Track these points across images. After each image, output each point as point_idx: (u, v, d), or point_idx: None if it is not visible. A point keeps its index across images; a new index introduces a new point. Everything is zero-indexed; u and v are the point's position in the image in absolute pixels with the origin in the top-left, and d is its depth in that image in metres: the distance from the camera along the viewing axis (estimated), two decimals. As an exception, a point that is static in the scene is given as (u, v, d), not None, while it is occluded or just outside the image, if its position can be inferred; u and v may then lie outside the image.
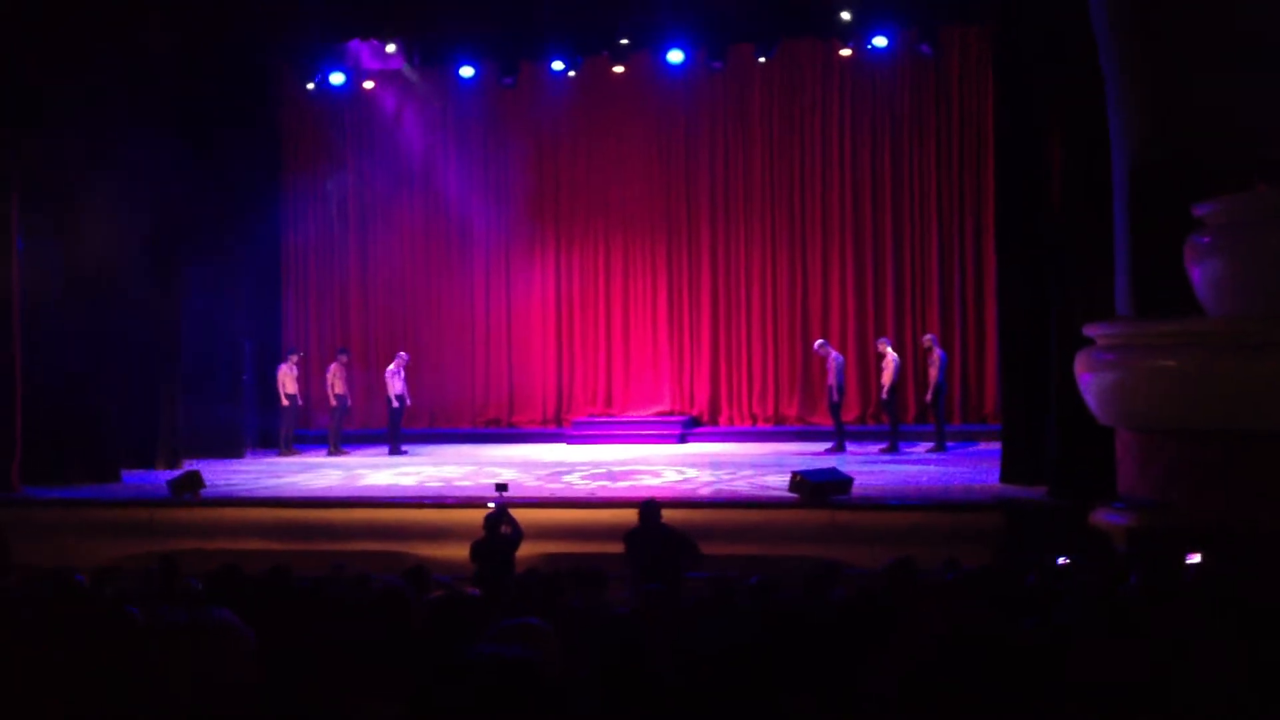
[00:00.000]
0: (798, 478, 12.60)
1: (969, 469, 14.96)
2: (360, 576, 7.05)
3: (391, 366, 18.44)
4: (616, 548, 10.72)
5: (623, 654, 2.83)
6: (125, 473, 15.88)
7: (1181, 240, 10.92)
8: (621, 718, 2.54)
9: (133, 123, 15.81)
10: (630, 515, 11.94)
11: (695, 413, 19.95)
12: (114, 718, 2.58)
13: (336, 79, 18.96)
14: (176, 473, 14.84)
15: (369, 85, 19.64)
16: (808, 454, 16.74)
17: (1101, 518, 10.94)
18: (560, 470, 15.77)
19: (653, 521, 9.61)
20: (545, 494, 13.50)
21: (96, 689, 2.70)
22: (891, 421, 17.27)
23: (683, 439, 18.98)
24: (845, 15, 16.88)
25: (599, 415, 20.02)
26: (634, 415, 19.92)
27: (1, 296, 14.77)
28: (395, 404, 18.26)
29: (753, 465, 15.95)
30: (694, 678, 2.92)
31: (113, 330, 16.14)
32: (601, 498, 13.33)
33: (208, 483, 14.04)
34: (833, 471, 13.03)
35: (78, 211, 15.71)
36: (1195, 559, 5.63)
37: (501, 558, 9.95)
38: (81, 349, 15.67)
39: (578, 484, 14.59)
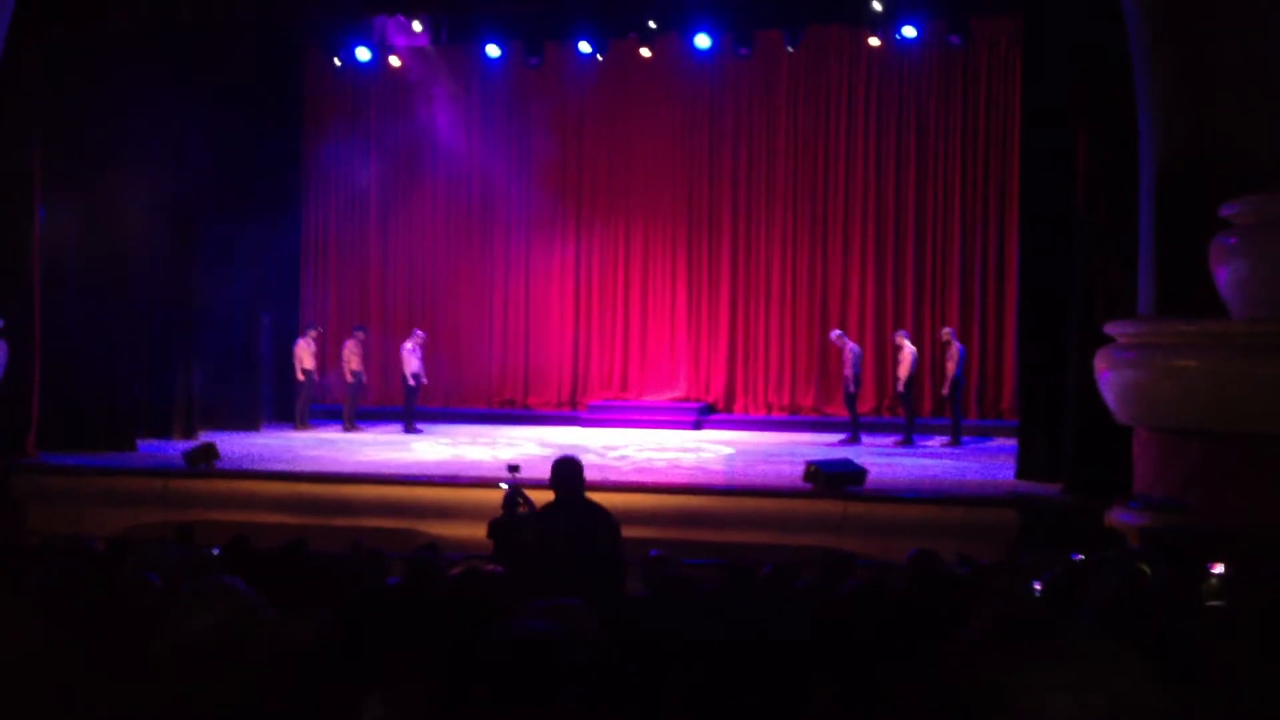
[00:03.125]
0: (812, 468, 12.59)
1: (984, 464, 14.92)
2: (375, 552, 7.06)
3: (408, 344, 18.45)
4: (629, 531, 10.69)
5: (641, 638, 2.82)
6: (141, 442, 15.95)
7: (1207, 240, 10.83)
8: (638, 702, 2.53)
9: (156, 95, 15.84)
10: (644, 500, 11.95)
11: (711, 399, 19.93)
12: (128, 685, 2.58)
13: (363, 55, 18.93)
14: (192, 443, 14.89)
15: (395, 62, 19.61)
16: (822, 444, 16.72)
17: (1117, 516, 10.89)
18: (579, 452, 15.76)
19: (573, 486, 6.86)
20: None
21: (112, 656, 2.69)
22: (907, 414, 17.22)
23: (697, 425, 18.96)
24: (876, 4, 16.79)
25: (614, 399, 20.01)
26: (649, 400, 19.91)
27: (22, 264, 14.83)
28: (411, 382, 18.28)
29: (767, 454, 15.94)
30: (710, 664, 2.91)
31: (131, 300, 16.19)
32: (614, 481, 13.32)
33: (223, 454, 14.09)
34: (847, 462, 13.00)
35: (98, 182, 15.76)
36: (1219, 569, 5.59)
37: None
38: (100, 318, 15.74)
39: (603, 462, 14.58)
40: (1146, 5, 11.57)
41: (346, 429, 18.20)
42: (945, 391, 16.92)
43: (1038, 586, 5.22)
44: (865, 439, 17.04)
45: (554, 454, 15.84)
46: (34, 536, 10.26)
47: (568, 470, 6.93)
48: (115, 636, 2.55)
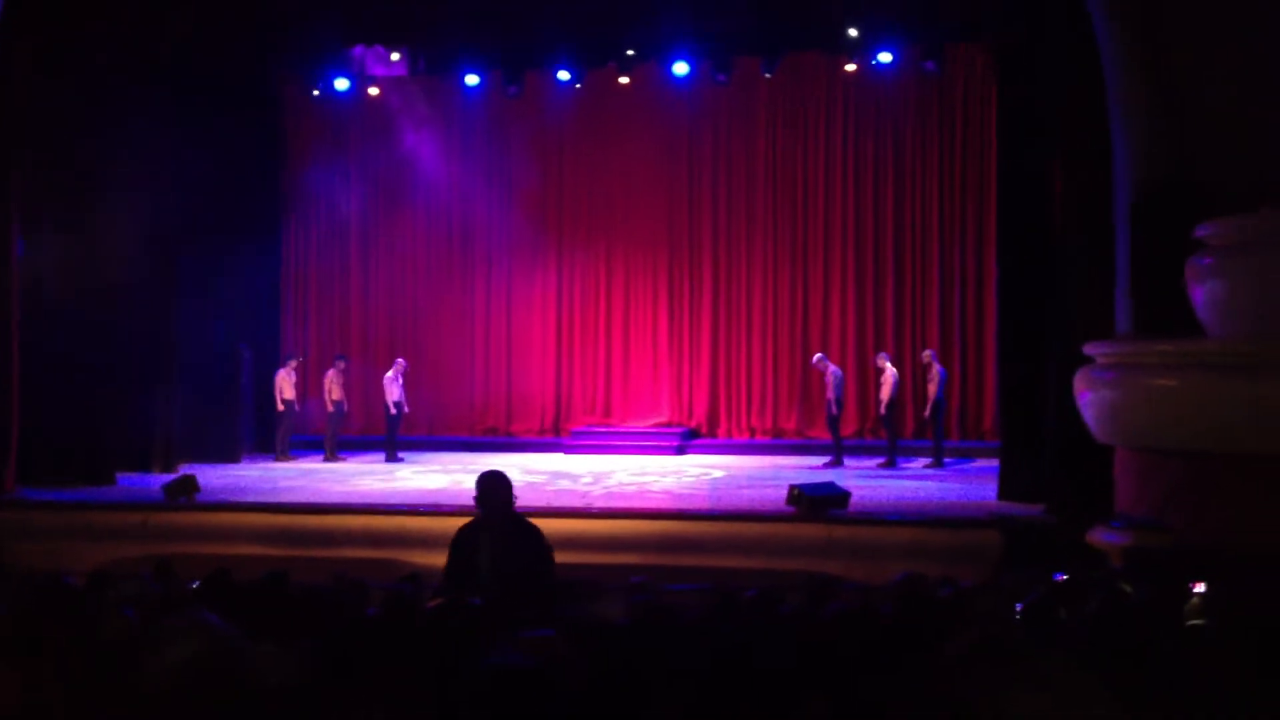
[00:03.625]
0: (795, 491, 12.58)
1: (966, 485, 14.95)
2: (357, 583, 7.02)
3: (390, 373, 18.41)
4: (612, 558, 10.69)
5: (622, 666, 2.81)
6: (121, 476, 15.84)
7: (1183, 261, 10.91)
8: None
9: (134, 126, 15.81)
10: (627, 526, 11.94)
11: (694, 424, 19.94)
12: (105, 711, 2.56)
13: (341, 85, 18.97)
14: (172, 476, 14.80)
15: (374, 92, 19.64)
16: (806, 468, 16.72)
17: (1099, 536, 10.91)
18: (562, 479, 15.76)
19: (500, 501, 6.47)
20: (540, 504, 13.45)
21: (88, 693, 2.67)
22: (890, 437, 17.25)
23: (681, 450, 18.96)
24: (852, 31, 16.91)
25: (597, 425, 20.00)
26: (632, 426, 19.90)
27: (0, 294, 14.74)
28: (393, 411, 18.23)
29: (750, 478, 15.94)
30: (694, 691, 2.90)
31: (111, 333, 16.09)
32: (598, 508, 13.30)
33: (203, 487, 14.01)
34: (830, 485, 13.01)
35: (77, 215, 15.69)
36: (1200, 588, 5.61)
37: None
38: (79, 350, 15.63)
39: (586, 488, 14.55)
40: (1119, 29, 11.69)
41: (328, 459, 18.12)
42: (927, 413, 16.96)
43: (1019, 608, 5.22)
44: (848, 462, 17.06)
45: (539, 480, 15.93)
46: (10, 572, 10.16)
47: (492, 484, 6.52)
48: (91, 673, 2.53)
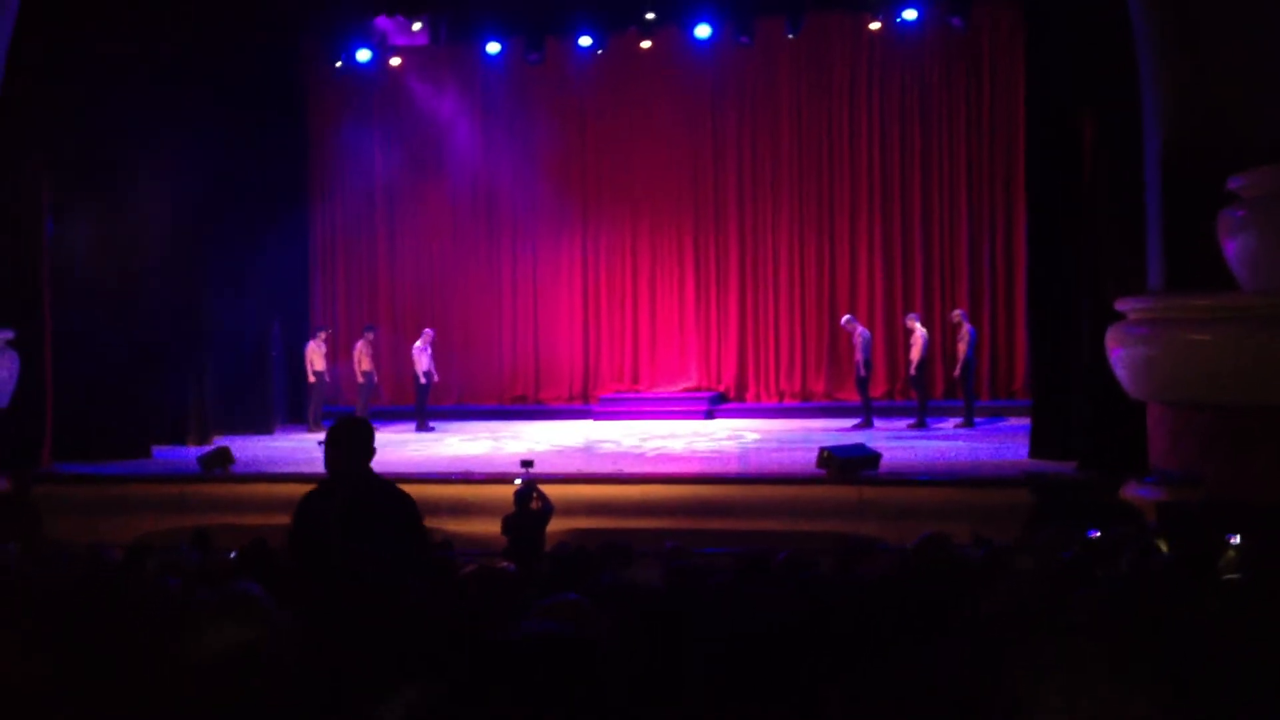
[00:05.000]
0: (825, 453, 12.58)
1: (997, 444, 14.90)
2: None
3: (418, 343, 18.47)
4: (644, 523, 10.74)
5: (660, 630, 2.82)
6: (156, 449, 16.00)
7: (1214, 214, 10.80)
8: (659, 696, 2.54)
9: (160, 101, 15.85)
10: (659, 491, 11.99)
11: (722, 389, 19.93)
12: (146, 695, 2.59)
13: (363, 56, 18.95)
14: (207, 448, 14.94)
15: (396, 62, 19.61)
16: (835, 430, 16.71)
17: (1132, 492, 10.88)
18: (592, 445, 15.84)
19: (352, 455, 5.36)
20: (571, 470, 13.51)
21: (130, 666, 2.70)
22: (920, 397, 17.19)
23: (709, 415, 18.96)
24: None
25: (625, 391, 20.03)
26: (661, 391, 19.91)
27: (31, 275, 14.87)
28: (422, 381, 18.31)
29: (780, 441, 15.94)
30: (729, 655, 2.91)
31: (142, 309, 16.22)
32: (629, 473, 13.34)
33: (237, 458, 14.14)
34: (860, 447, 12.99)
35: (107, 190, 15.79)
36: (1235, 539, 5.58)
37: (531, 533, 9.97)
38: (111, 326, 15.76)
39: (617, 454, 14.60)
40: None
41: (360, 429, 18.20)
42: (957, 373, 16.89)
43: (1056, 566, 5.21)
44: (878, 423, 17.02)
45: (567, 449, 15.99)
46: (50, 546, 10.30)
47: (345, 437, 5.26)
48: (134, 646, 2.56)
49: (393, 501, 5.19)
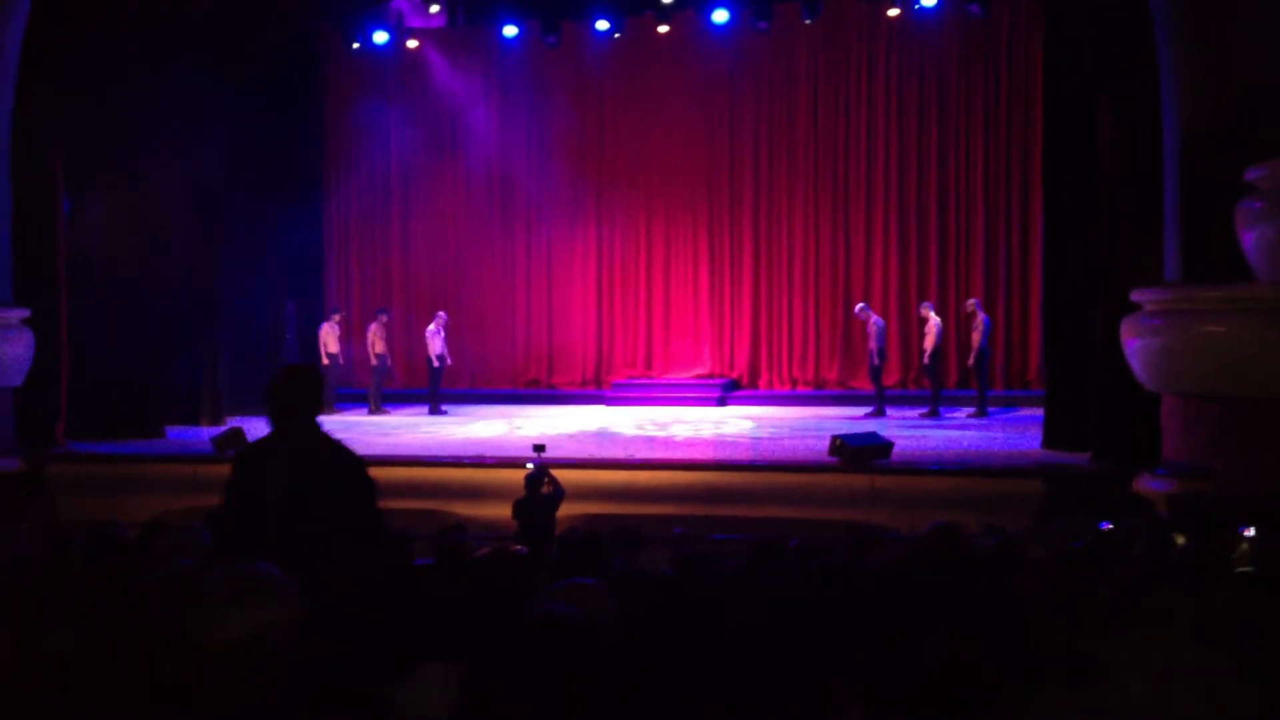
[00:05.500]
0: (838, 442, 12.56)
1: (1010, 434, 14.87)
2: (403, 534, 7.10)
3: (431, 326, 18.50)
4: (655, 509, 10.74)
5: (670, 616, 2.83)
6: (170, 429, 16.06)
7: (1232, 205, 10.74)
8: (668, 680, 2.54)
9: (176, 82, 15.87)
10: (670, 477, 12.00)
11: (735, 376, 19.92)
12: (161, 674, 2.60)
13: (380, 38, 18.94)
14: (220, 429, 14.98)
15: (413, 44, 19.60)
16: (848, 418, 16.69)
17: (1145, 484, 10.85)
18: (603, 431, 15.86)
19: (295, 409, 4.61)
20: (583, 455, 13.52)
21: (146, 644, 2.71)
22: (933, 386, 17.15)
23: (722, 402, 18.96)
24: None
25: (638, 377, 20.03)
26: (673, 377, 19.91)
27: (47, 254, 14.92)
28: (435, 364, 18.34)
29: (792, 429, 15.93)
30: (738, 642, 2.91)
31: (157, 289, 16.27)
32: (640, 459, 13.34)
33: (251, 439, 14.17)
34: (873, 436, 12.97)
35: (123, 171, 15.82)
36: (1250, 532, 5.56)
37: (543, 517, 10.00)
38: (126, 307, 15.82)
39: (628, 439, 14.62)
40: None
41: (372, 411, 18.28)
42: (971, 363, 16.85)
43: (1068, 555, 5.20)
44: (891, 412, 16.99)
45: (579, 433, 15.99)
46: (64, 524, 10.34)
47: (287, 387, 4.55)
48: (148, 626, 2.57)
49: (342, 467, 4.47)
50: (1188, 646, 1.88)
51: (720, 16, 18.17)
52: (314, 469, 4.40)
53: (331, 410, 18.31)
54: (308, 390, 4.50)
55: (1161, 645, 1.87)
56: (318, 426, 4.50)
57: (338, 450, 4.48)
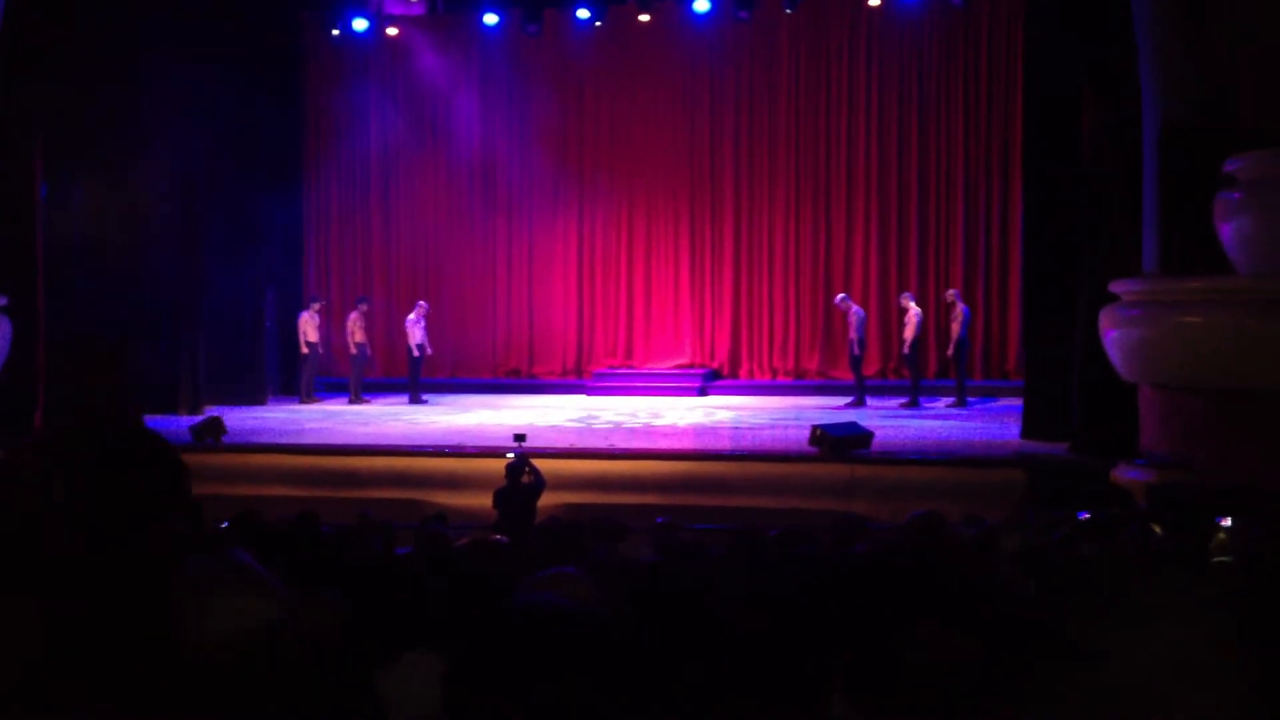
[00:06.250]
0: (818, 431, 12.58)
1: (990, 424, 14.93)
2: (384, 523, 7.08)
3: (412, 316, 18.45)
4: (636, 498, 10.73)
5: (652, 604, 2.83)
6: (147, 418, 15.93)
7: (1211, 197, 10.79)
8: (649, 671, 2.54)
9: (155, 70, 15.76)
10: (651, 467, 11.99)
11: (715, 365, 19.93)
12: (141, 665, 2.57)
13: (360, 25, 18.85)
14: (198, 418, 14.91)
15: (393, 32, 19.51)
16: (828, 408, 16.72)
17: (1123, 474, 10.90)
18: (584, 420, 15.84)
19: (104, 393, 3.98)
20: (564, 444, 13.52)
21: (124, 635, 2.68)
22: (913, 376, 17.21)
23: (702, 391, 18.97)
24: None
25: (619, 367, 20.03)
26: (654, 367, 19.92)
27: (24, 241, 14.80)
28: (416, 353, 18.30)
29: (773, 418, 15.96)
30: (722, 631, 2.91)
31: (136, 277, 16.17)
32: (621, 449, 13.34)
33: (229, 428, 14.12)
34: (853, 425, 13.00)
35: (102, 159, 15.70)
36: (1226, 522, 5.59)
37: (523, 506, 9.99)
38: (105, 294, 15.71)
39: (608, 429, 14.61)
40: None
41: (352, 401, 18.23)
42: (950, 353, 16.91)
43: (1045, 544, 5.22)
44: (871, 402, 17.04)
45: (560, 423, 15.97)
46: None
47: (84, 358, 3.42)
48: (121, 613, 2.55)
49: (148, 456, 3.56)
50: (1174, 633, 1.89)
51: (701, 5, 18.15)
52: (125, 463, 3.56)
53: (310, 399, 18.27)
54: (107, 369, 3.34)
55: (1149, 632, 1.88)
56: (126, 410, 3.43)
57: (151, 441, 3.65)
